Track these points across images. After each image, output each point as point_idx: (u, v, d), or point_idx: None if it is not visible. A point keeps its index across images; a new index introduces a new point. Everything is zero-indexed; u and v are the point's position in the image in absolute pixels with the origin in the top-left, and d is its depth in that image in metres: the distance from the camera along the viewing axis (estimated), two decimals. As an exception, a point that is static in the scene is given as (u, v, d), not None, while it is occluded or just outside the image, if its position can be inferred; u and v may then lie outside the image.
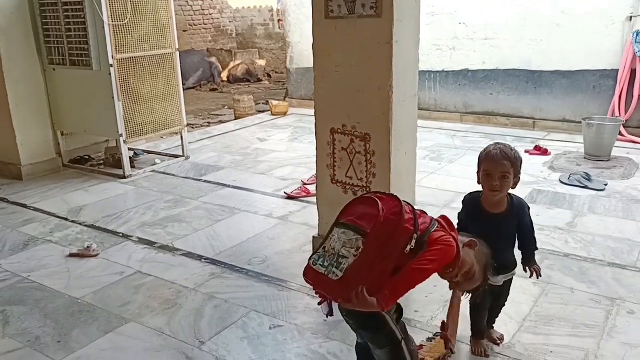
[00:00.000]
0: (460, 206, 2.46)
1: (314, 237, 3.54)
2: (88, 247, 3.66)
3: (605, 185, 4.57)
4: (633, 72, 5.85)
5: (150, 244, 3.78)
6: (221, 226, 4.04)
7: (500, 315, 2.76)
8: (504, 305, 2.61)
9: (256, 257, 3.53)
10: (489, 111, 7.00)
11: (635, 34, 5.73)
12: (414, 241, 1.79)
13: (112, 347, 2.65)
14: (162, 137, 6.51)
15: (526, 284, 3.06)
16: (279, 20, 13.30)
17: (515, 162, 2.24)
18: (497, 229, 2.27)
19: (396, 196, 1.89)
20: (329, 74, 3.16)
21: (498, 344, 2.56)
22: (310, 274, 1.87)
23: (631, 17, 5.82)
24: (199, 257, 3.55)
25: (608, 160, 5.21)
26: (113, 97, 5.01)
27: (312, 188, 4.45)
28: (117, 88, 5.01)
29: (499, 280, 2.42)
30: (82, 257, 3.59)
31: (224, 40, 14.13)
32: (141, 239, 3.86)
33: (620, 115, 5.89)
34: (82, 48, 5.08)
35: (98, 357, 2.58)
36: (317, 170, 3.43)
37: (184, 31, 12.92)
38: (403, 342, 1.96)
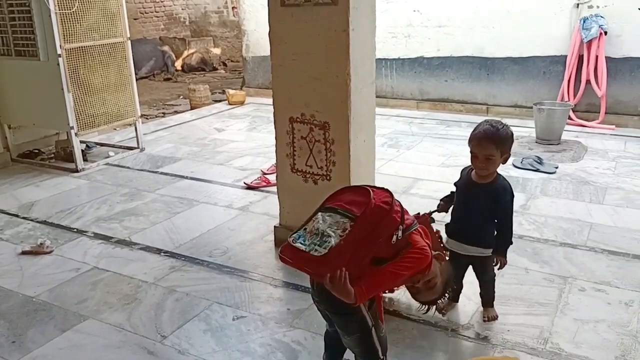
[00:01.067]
0: (419, 191, 2.55)
1: (275, 226, 3.54)
2: (41, 243, 3.53)
3: (556, 168, 4.73)
4: (581, 58, 6.04)
5: (107, 238, 3.69)
6: (180, 218, 3.98)
7: (461, 297, 2.84)
8: (490, 285, 2.67)
9: (217, 249, 3.50)
10: (444, 98, 7.12)
11: (582, 21, 5.92)
12: (400, 232, 1.82)
13: (70, 345, 2.58)
14: (115, 129, 6.34)
15: (483, 266, 3.15)
16: (233, 8, 13.08)
17: (501, 142, 2.34)
18: (476, 197, 2.46)
19: (387, 189, 1.93)
20: (286, 62, 3.14)
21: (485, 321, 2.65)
22: (287, 251, 1.86)
23: (578, 5, 6.01)
24: (158, 251, 3.49)
25: (558, 144, 5.39)
26: (62, 89, 4.83)
27: (272, 177, 4.43)
28: (66, 79, 4.83)
29: (470, 250, 2.53)
30: (36, 254, 3.47)
31: (177, 28, 13.80)
32: (97, 234, 3.76)
33: (569, 100, 6.10)
34: (28, 38, 4.86)
35: (55, 356, 2.51)
36: (276, 160, 3.42)
37: (135, 19, 12.54)
38: (373, 329, 1.98)
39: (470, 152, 2.39)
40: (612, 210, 3.88)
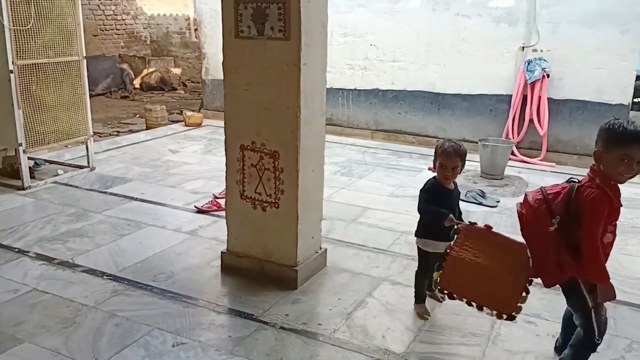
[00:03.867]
0: (367, 220, 2.70)
1: (222, 252, 3.56)
2: (-22, 263, 3.44)
3: (498, 202, 4.95)
4: (525, 98, 6.38)
5: (49, 259, 3.62)
6: (126, 241, 3.95)
7: (397, 326, 2.94)
8: None
9: (162, 273, 3.48)
10: (398, 129, 7.34)
11: (526, 63, 6.27)
12: (555, 220, 2.25)
13: (2, 371, 2.52)
14: (67, 146, 6.24)
15: (423, 296, 3.26)
16: (195, 30, 13.14)
17: (463, 157, 2.91)
18: (453, 200, 3.01)
19: (527, 199, 2.36)
20: (239, 91, 3.22)
21: (441, 301, 3.14)
22: None
23: (523, 48, 6.36)
24: (101, 274, 3.45)
25: (501, 179, 5.64)
26: (12, 105, 4.75)
27: (223, 202, 4.43)
28: (17, 95, 4.76)
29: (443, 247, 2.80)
30: (-29, 274, 3.37)
31: (137, 46, 13.74)
32: (39, 255, 3.68)
33: (513, 137, 6.40)
34: (-21, 51, 4.78)
35: (-15, 381, 2.45)
36: (226, 186, 3.46)
37: (95, 36, 12.43)
38: (593, 311, 2.30)
39: (439, 163, 2.90)
40: (546, 244, 4.07)
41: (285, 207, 3.26)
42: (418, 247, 3.07)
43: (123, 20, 13.35)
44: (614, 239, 2.32)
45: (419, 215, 3.03)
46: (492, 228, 2.59)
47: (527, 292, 2.41)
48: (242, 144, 3.29)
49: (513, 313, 2.41)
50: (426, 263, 3.06)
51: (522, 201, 2.43)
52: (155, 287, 3.31)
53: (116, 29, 13.24)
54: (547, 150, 6.35)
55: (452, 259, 2.56)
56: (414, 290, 3.13)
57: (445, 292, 2.64)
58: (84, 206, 4.62)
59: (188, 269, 3.55)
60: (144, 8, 13.74)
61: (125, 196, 4.91)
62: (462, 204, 4.84)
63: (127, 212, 4.50)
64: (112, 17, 13.00)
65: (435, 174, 2.99)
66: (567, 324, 2.64)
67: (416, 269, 3.12)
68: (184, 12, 13.54)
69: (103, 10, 12.73)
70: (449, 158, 2.87)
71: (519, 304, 2.41)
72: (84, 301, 3.12)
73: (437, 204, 2.90)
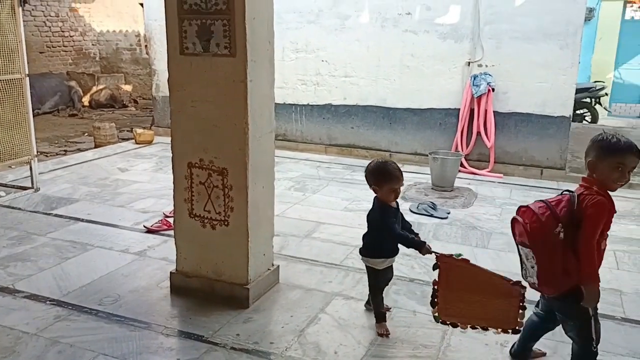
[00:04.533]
0: (321, 235, 3.60)
1: (171, 272, 3.48)
2: None
3: (448, 213, 5.05)
4: (472, 112, 6.56)
5: (-13, 286, 3.45)
6: (71, 264, 3.81)
7: (350, 341, 2.94)
8: None
9: (108, 297, 3.37)
10: (351, 143, 7.41)
11: (472, 78, 6.46)
12: (558, 229, 2.32)
13: None
14: (10, 167, 6.00)
15: (375, 310, 3.28)
16: (145, 46, 12.96)
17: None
18: (399, 217, 3.03)
19: (531, 207, 2.42)
20: (185, 108, 3.18)
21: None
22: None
23: (469, 63, 6.56)
24: (44, 299, 3.31)
25: (451, 191, 5.76)
26: (-52, 124, 4.55)
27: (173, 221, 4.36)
28: (-48, 114, 4.56)
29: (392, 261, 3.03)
30: None
31: (86, 63, 13.42)
32: (-24, 282, 3.51)
33: (462, 150, 6.56)
34: None
35: None
36: (174, 205, 3.40)
37: (41, 52, 12.07)
38: (593, 319, 2.38)
39: (390, 188, 2.89)
40: (494, 254, 4.18)
41: (235, 225, 3.22)
42: (369, 267, 3.06)
43: (71, 36, 13.04)
44: (605, 248, 2.43)
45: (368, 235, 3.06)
46: (469, 261, 2.73)
47: (524, 307, 2.57)
48: (190, 161, 3.24)
49: (517, 327, 2.60)
50: (378, 279, 3.07)
51: (517, 214, 2.49)
52: (101, 311, 3.20)
53: (64, 46, 12.90)
54: (494, 162, 6.53)
55: (442, 292, 2.70)
56: (374, 310, 3.11)
57: (448, 323, 2.73)
58: (27, 229, 4.44)
59: (136, 291, 3.45)
60: (93, 24, 13.46)
61: (71, 217, 4.74)
62: (414, 217, 4.99)
63: (73, 234, 4.35)
64: (59, 33, 12.67)
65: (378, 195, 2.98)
66: (530, 334, 2.73)
67: (369, 290, 3.13)
68: (134, 28, 13.34)
69: (49, 27, 12.39)
70: (399, 180, 2.91)
71: (519, 320, 2.59)
72: (25, 328, 2.98)
73: (394, 220, 2.95)
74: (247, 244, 3.22)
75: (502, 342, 2.96)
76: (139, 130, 7.98)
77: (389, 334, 3.02)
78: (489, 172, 6.50)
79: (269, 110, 3.30)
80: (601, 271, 3.83)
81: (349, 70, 7.15)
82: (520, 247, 2.50)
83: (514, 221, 2.51)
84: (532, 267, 2.44)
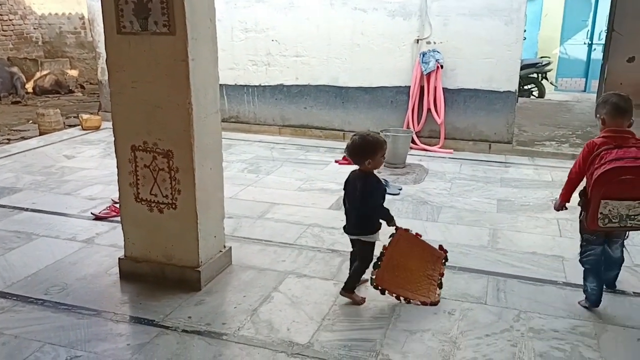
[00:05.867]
0: (274, 216, 4.01)
1: (119, 258, 3.42)
2: None
3: (400, 189, 5.12)
4: (422, 89, 6.63)
5: None
6: (15, 254, 3.68)
7: (302, 317, 2.97)
8: None
9: (55, 286, 3.28)
10: (304, 124, 7.38)
11: (421, 55, 6.52)
12: None
13: None
14: (-54, 158, 5.73)
15: (327, 285, 3.31)
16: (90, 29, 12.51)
17: None
18: None
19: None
20: (126, 89, 3.09)
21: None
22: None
23: (418, 40, 6.61)
24: (-14, 292, 3.20)
25: (404, 167, 5.84)
26: None
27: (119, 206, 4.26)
28: None
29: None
30: None
31: (28, 48, 12.84)
32: None
33: (414, 127, 6.65)
34: None
35: None
36: (119, 189, 3.33)
37: (-22, 37, 11.48)
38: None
39: (383, 152, 2.98)
40: (444, 227, 4.28)
41: (183, 208, 3.18)
42: (368, 242, 3.09)
43: (10, 20, 12.43)
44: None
45: (358, 212, 3.05)
46: (421, 236, 3.23)
47: (441, 286, 3.22)
48: (133, 144, 3.17)
49: (437, 300, 3.12)
50: (373, 252, 3.13)
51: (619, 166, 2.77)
52: (47, 300, 3.12)
53: (3, 30, 12.30)
54: (445, 138, 6.64)
55: (387, 258, 3.04)
56: (350, 281, 3.14)
57: (379, 287, 3.03)
58: (-34, 221, 4.26)
59: (84, 279, 3.37)
60: (33, 7, 12.86)
61: (14, 207, 4.57)
62: (366, 194, 5.03)
63: (17, 224, 4.20)
64: (-3, 17, 12.07)
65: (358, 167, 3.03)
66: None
67: (363, 266, 3.11)
68: (78, 11, 12.83)
69: (-14, 11, 11.79)
70: (385, 143, 3.00)
71: (438, 294, 3.16)
72: (-35, 323, 2.87)
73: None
74: (196, 226, 3.19)
75: (449, 311, 3.05)
76: (85, 116, 7.73)
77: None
78: (439, 148, 6.61)
79: (213, 90, 3.24)
80: (544, 240, 4.02)
81: (300, 49, 7.10)
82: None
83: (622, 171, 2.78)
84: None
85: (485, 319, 2.98)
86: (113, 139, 3.28)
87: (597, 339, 2.82)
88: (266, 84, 7.40)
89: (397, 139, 5.84)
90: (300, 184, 5.38)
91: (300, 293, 3.24)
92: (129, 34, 2.95)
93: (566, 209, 3.22)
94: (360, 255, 3.12)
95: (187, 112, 3.02)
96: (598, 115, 3.04)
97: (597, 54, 12.09)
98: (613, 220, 2.84)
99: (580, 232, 3.12)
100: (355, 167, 3.07)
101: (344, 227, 3.15)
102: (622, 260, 3.18)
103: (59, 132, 7.48)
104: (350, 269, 3.20)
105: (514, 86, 6.45)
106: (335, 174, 5.67)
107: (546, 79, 11.03)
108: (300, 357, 2.64)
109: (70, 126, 7.98)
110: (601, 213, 2.83)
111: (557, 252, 3.85)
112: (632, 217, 2.81)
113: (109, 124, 7.62)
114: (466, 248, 3.90)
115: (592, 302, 3.07)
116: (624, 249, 3.15)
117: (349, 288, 3.13)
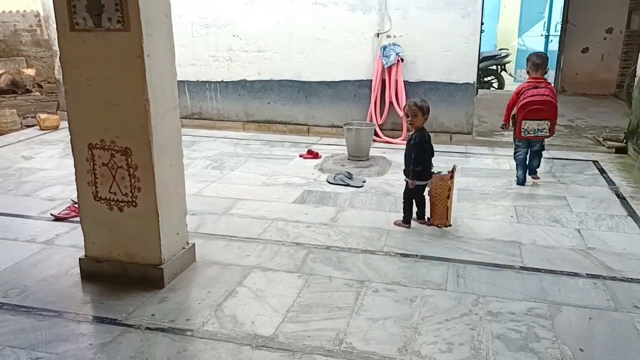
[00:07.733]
0: (238, 211, 4.27)
1: (80, 258, 3.37)
2: None
3: (364, 182, 5.18)
4: (384, 82, 6.71)
5: None
6: (-30, 259, 3.59)
7: (267, 310, 3.00)
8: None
9: (14, 288, 3.22)
10: (268, 119, 7.39)
11: (382, 49, 6.59)
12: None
13: None
14: None
15: (292, 278, 3.35)
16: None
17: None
18: None
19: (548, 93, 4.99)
20: (81, 87, 3.05)
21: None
22: None
23: (378, 34, 6.68)
24: (-60, 297, 3.11)
25: (367, 160, 5.91)
26: None
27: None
28: None
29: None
30: None
31: (-20, 47, 12.43)
32: None
33: (377, 120, 6.72)
34: None
35: None
36: (77, 189, 3.28)
37: None
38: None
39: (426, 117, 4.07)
40: (406, 217, 4.36)
41: (143, 205, 3.16)
42: (421, 185, 4.11)
43: (-39, 18, 12.00)
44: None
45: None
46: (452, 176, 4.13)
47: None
48: (90, 142, 3.13)
49: (449, 224, 4.16)
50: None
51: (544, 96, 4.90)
52: (5, 303, 3.06)
53: (-47, 29, 11.87)
54: (407, 130, 6.73)
55: (432, 202, 4.16)
56: (407, 215, 4.16)
57: (439, 225, 4.15)
58: None
59: (44, 281, 3.32)
60: (-15, 4, 12.44)
61: (-31, 211, 4.45)
62: (330, 187, 5.09)
63: (-28, 228, 4.10)
64: (-55, 15, 11.63)
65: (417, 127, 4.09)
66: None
67: (410, 197, 4.16)
68: (33, 8, 12.45)
69: None
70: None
71: (448, 219, 4.16)
72: None
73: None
74: (157, 224, 3.17)
75: (410, 298, 3.12)
76: (43, 116, 7.55)
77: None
78: (402, 140, 6.70)
79: (171, 86, 3.22)
80: (502, 226, 4.14)
81: (262, 44, 7.09)
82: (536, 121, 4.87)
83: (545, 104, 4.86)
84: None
85: (445, 305, 3.06)
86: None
87: (551, 320, 2.93)
88: (228, 80, 7.37)
89: (360, 132, 5.90)
90: (265, 179, 5.39)
91: (265, 286, 3.26)
92: (83, 30, 2.91)
93: (507, 127, 5.23)
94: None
95: (144, 108, 2.99)
96: (526, 69, 5.07)
97: (554, 46, 12.43)
98: (530, 133, 4.93)
99: (514, 140, 5.15)
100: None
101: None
102: (540, 154, 5.15)
103: (16, 133, 7.29)
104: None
105: (472, 78, 6.59)
106: (300, 168, 5.70)
107: (505, 70, 11.29)
108: (264, 349, 2.67)
109: (27, 126, 7.78)
110: (523, 128, 4.91)
111: (514, 237, 3.97)
112: (540, 130, 4.90)
113: (68, 124, 7.56)
114: (427, 237, 3.98)
115: (520, 183, 5.10)
116: (543, 147, 5.16)
117: (409, 219, 4.18)
